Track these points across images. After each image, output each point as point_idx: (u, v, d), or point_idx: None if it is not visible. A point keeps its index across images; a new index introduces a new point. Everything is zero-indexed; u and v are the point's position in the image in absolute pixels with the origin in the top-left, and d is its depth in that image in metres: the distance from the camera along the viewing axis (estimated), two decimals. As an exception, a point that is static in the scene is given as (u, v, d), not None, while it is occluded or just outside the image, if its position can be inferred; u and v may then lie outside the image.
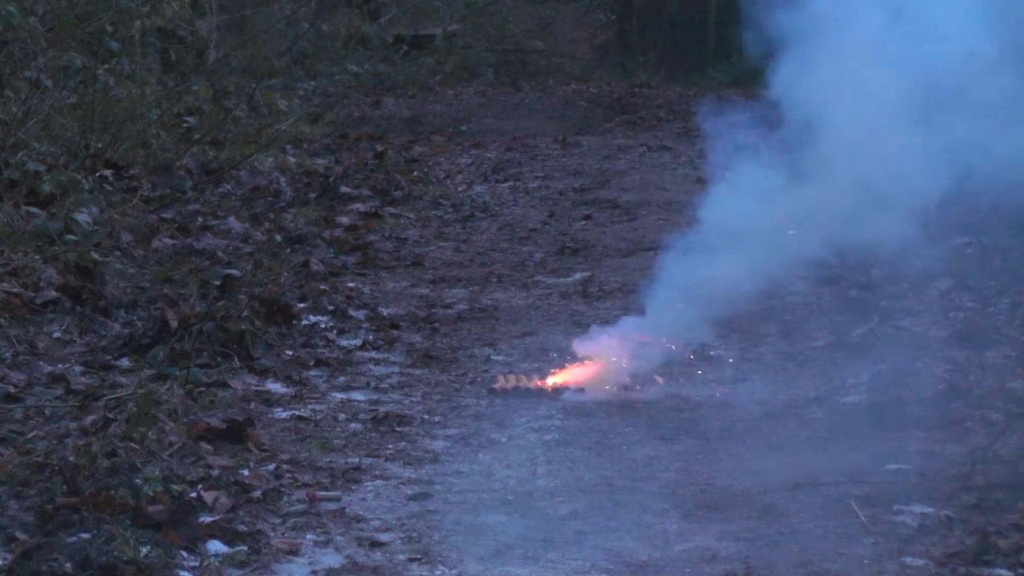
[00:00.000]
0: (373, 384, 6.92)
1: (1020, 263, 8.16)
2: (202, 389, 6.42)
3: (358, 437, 6.16)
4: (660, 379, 6.84)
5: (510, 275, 9.21)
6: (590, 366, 6.93)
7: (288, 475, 5.61)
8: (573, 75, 21.51)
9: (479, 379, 7.00)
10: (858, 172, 6.82)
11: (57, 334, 7.26)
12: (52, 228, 8.23)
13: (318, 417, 6.38)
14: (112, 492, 5.00)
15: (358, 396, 6.74)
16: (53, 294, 7.61)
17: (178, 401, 6.05)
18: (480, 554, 4.94)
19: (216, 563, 4.78)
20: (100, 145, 10.11)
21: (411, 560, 4.88)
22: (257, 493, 5.34)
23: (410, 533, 5.11)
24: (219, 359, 6.88)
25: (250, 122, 12.33)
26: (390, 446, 6.06)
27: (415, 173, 12.66)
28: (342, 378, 6.99)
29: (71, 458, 5.30)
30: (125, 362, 6.88)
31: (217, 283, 7.96)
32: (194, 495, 5.20)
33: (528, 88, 19.41)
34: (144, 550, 4.71)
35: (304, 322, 7.78)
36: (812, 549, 4.96)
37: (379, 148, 13.65)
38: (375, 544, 5.01)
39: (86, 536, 4.72)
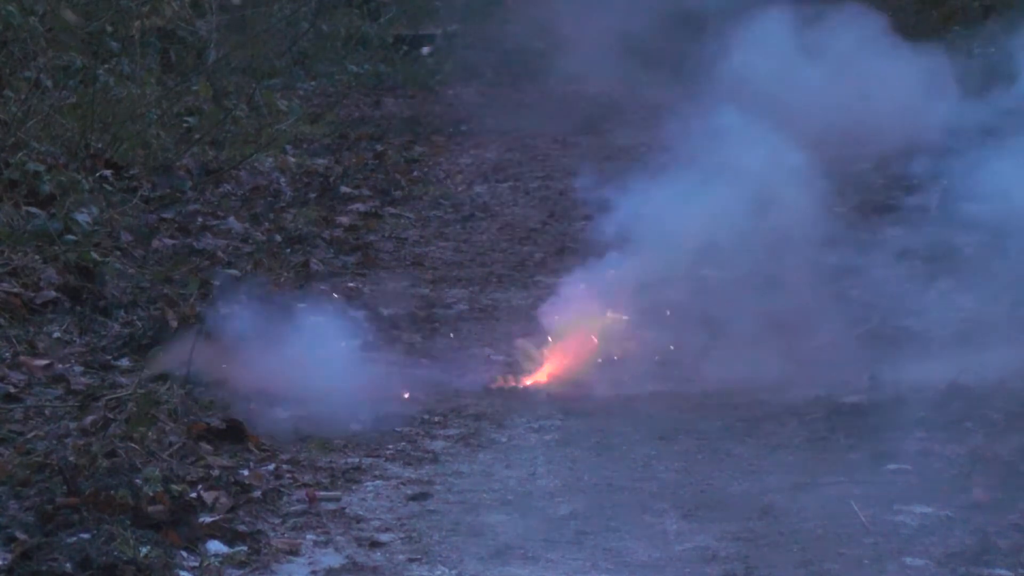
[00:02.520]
0: (374, 385, 6.91)
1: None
2: (202, 389, 6.41)
3: (358, 437, 6.16)
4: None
5: (510, 275, 9.20)
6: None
7: (288, 475, 5.61)
8: (574, 75, 21.45)
9: (479, 379, 7.00)
10: None
11: (57, 334, 7.25)
12: (52, 228, 8.23)
13: (318, 417, 6.38)
14: (112, 492, 5.00)
15: (358, 396, 6.72)
16: (53, 294, 7.61)
17: (178, 401, 6.05)
18: (480, 554, 4.94)
19: (216, 563, 4.79)
20: (100, 145, 10.10)
21: (411, 560, 4.88)
22: (257, 493, 5.34)
23: (410, 533, 5.11)
24: (220, 359, 6.88)
25: (250, 122, 12.31)
26: (390, 446, 6.06)
27: (415, 173, 12.65)
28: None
29: (71, 458, 5.30)
30: (125, 362, 6.88)
31: (217, 283, 7.96)
32: (194, 495, 5.20)
33: (528, 88, 19.37)
34: (144, 550, 4.71)
35: (304, 322, 7.76)
36: (812, 549, 4.96)
37: (379, 148, 13.65)
38: (375, 544, 5.01)
39: (86, 536, 4.72)
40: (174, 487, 5.20)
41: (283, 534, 5.08)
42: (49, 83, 10.08)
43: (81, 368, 6.78)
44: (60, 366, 6.78)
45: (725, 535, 5.10)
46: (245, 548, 4.90)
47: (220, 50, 13.44)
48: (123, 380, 6.50)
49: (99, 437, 5.56)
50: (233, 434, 5.91)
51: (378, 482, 5.63)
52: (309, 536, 5.07)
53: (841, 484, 5.54)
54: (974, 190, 7.48)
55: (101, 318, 7.54)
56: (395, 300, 8.52)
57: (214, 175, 10.85)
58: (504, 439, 6.19)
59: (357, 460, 5.85)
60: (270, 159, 11.95)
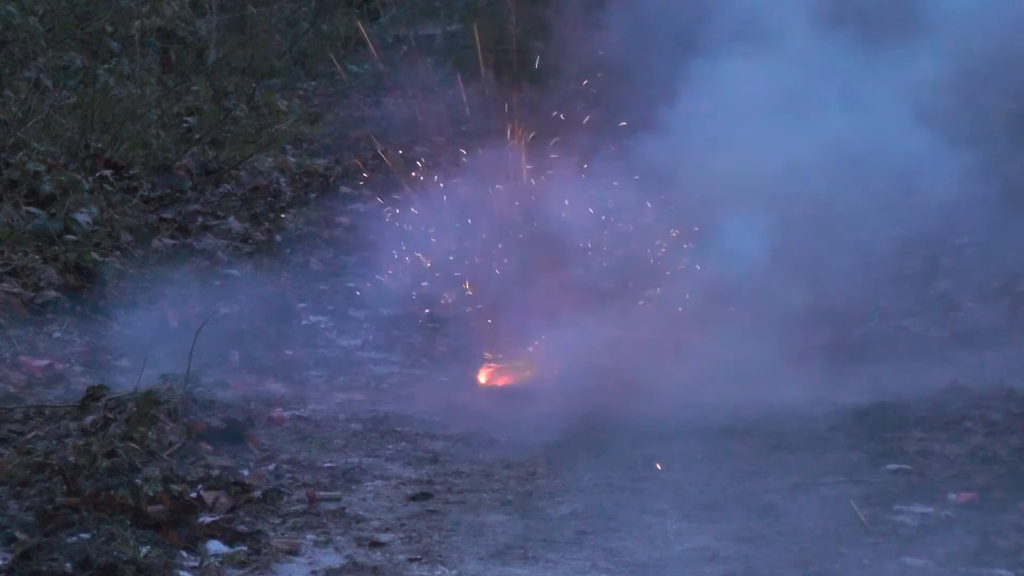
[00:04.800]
0: (373, 384, 6.91)
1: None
2: (202, 389, 6.42)
3: (358, 437, 6.17)
4: None
5: (511, 275, 9.19)
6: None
7: (288, 475, 5.62)
8: (573, 75, 21.45)
9: (479, 379, 7.01)
10: None
11: (57, 334, 7.26)
12: (52, 228, 8.24)
13: (318, 417, 6.39)
14: (112, 492, 5.01)
15: (358, 396, 6.74)
16: (53, 294, 7.62)
17: (178, 401, 6.05)
18: (480, 554, 4.95)
19: (216, 563, 4.79)
20: (100, 145, 10.11)
21: (411, 560, 4.89)
22: (257, 493, 5.35)
23: (410, 533, 5.12)
24: (219, 359, 6.89)
25: (250, 122, 12.32)
26: (390, 446, 6.07)
27: (415, 173, 12.64)
28: (342, 378, 6.99)
29: (71, 458, 5.31)
30: (125, 362, 6.89)
31: (217, 283, 7.98)
32: (194, 495, 5.20)
33: (528, 88, 19.37)
34: (144, 550, 4.71)
35: (304, 322, 7.78)
36: (812, 549, 4.96)
37: (379, 148, 13.64)
38: (375, 544, 5.01)
39: (86, 536, 4.73)
40: (174, 487, 5.20)
41: (283, 534, 5.08)
42: (49, 83, 10.09)
43: (81, 368, 6.78)
44: (60, 366, 6.78)
45: (725, 535, 5.10)
46: (245, 548, 4.90)
47: (220, 50, 13.44)
48: (123, 380, 6.51)
49: (99, 437, 5.57)
50: (233, 434, 5.91)
51: (378, 482, 5.63)
52: (309, 536, 5.07)
53: (841, 484, 5.54)
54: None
55: (101, 318, 7.55)
56: (395, 300, 8.52)
57: (214, 175, 10.85)
58: (504, 439, 6.19)
59: (357, 460, 5.86)
60: (270, 159, 11.96)
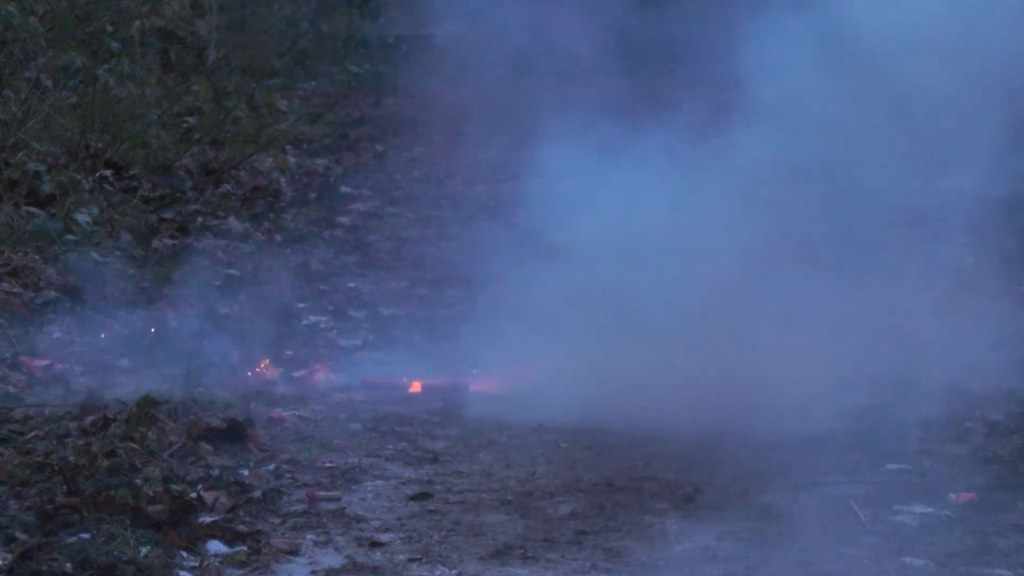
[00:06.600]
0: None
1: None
2: (202, 389, 6.42)
3: (358, 437, 6.17)
4: None
5: (511, 275, 9.19)
6: None
7: (288, 475, 5.62)
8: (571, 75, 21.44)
9: (479, 379, 7.00)
10: None
11: (57, 334, 7.26)
12: (52, 228, 8.24)
13: (318, 417, 6.39)
14: (112, 492, 5.01)
15: (358, 396, 6.74)
16: (53, 294, 7.62)
17: (178, 401, 6.05)
18: (480, 554, 4.95)
19: (216, 563, 4.79)
20: (100, 145, 10.11)
21: (411, 560, 4.89)
22: (257, 493, 5.35)
23: (410, 533, 5.12)
24: (219, 359, 6.89)
25: (250, 122, 12.33)
26: (390, 446, 6.07)
27: (415, 173, 12.65)
28: (342, 378, 6.99)
29: (71, 458, 5.31)
30: (125, 362, 6.89)
31: (217, 283, 7.98)
32: (194, 495, 5.20)
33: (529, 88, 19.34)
34: (144, 550, 4.71)
35: (304, 322, 7.78)
36: (812, 549, 4.96)
37: (379, 148, 13.65)
38: (375, 544, 5.01)
39: (86, 536, 4.73)
40: (174, 487, 5.20)
41: (283, 534, 5.08)
42: (49, 83, 10.09)
43: (81, 368, 6.78)
44: (60, 366, 6.78)
45: (725, 535, 5.10)
46: (245, 548, 4.90)
47: (220, 50, 13.45)
48: (123, 380, 6.51)
49: (99, 437, 5.57)
50: (233, 434, 5.91)
51: (378, 482, 5.63)
52: (309, 536, 5.07)
53: (841, 484, 5.54)
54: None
55: (101, 318, 7.55)
56: (395, 300, 8.52)
57: (214, 175, 10.86)
58: (504, 439, 6.19)
59: (357, 460, 5.86)
60: (270, 159, 11.96)
